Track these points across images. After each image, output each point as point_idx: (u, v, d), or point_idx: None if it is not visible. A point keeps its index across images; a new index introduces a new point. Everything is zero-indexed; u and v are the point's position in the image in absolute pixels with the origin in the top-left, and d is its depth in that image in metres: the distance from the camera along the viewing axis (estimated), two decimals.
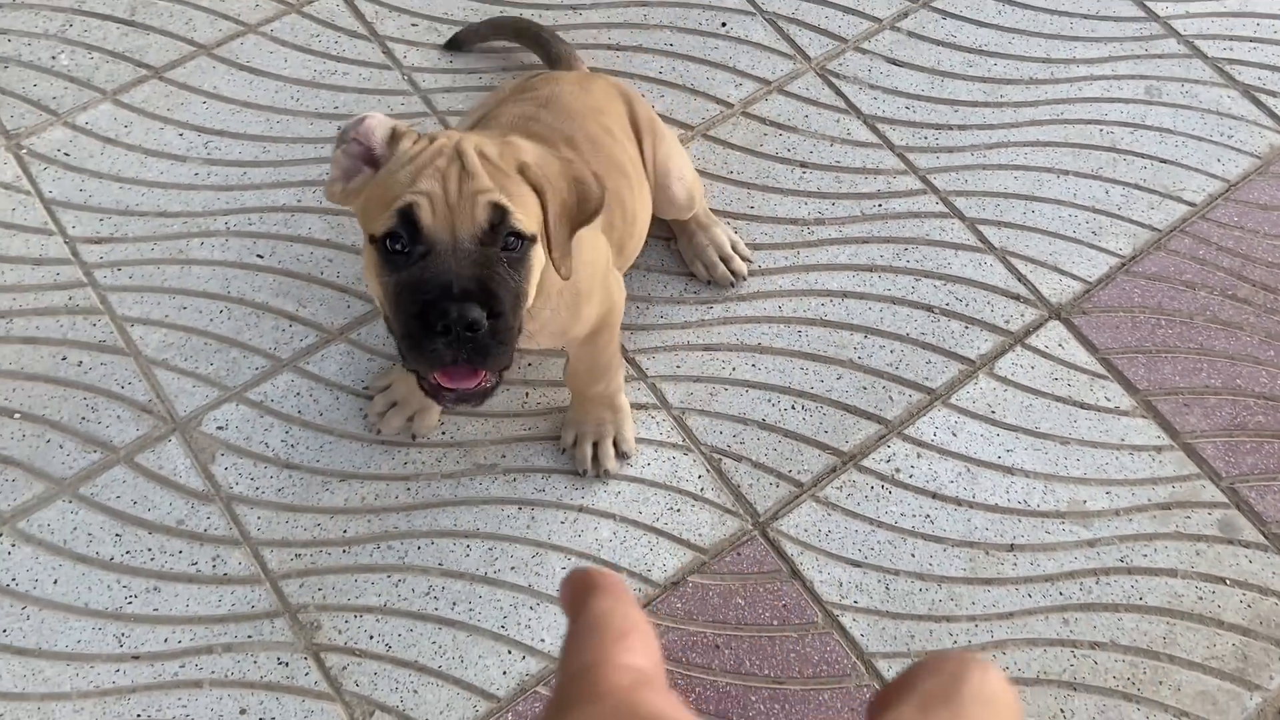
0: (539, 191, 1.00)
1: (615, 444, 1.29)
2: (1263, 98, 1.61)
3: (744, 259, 1.42)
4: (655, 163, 1.31)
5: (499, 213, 0.96)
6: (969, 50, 1.64)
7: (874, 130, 1.55)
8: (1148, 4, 1.69)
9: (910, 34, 1.65)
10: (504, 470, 1.29)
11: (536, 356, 1.36)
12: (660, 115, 1.54)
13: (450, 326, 0.94)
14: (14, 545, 1.22)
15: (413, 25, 1.60)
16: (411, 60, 1.56)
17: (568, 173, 1.03)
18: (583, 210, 1.03)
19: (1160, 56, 1.65)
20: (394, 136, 1.01)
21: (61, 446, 1.27)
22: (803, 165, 1.52)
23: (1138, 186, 1.53)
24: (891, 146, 1.54)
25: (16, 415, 1.29)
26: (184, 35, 1.56)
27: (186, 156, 1.46)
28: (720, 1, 1.65)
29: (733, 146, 1.52)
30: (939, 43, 1.64)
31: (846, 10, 1.66)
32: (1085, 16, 1.68)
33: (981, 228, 1.49)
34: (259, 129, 1.49)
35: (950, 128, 1.56)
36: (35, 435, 1.28)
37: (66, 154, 1.45)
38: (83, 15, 1.57)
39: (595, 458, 1.28)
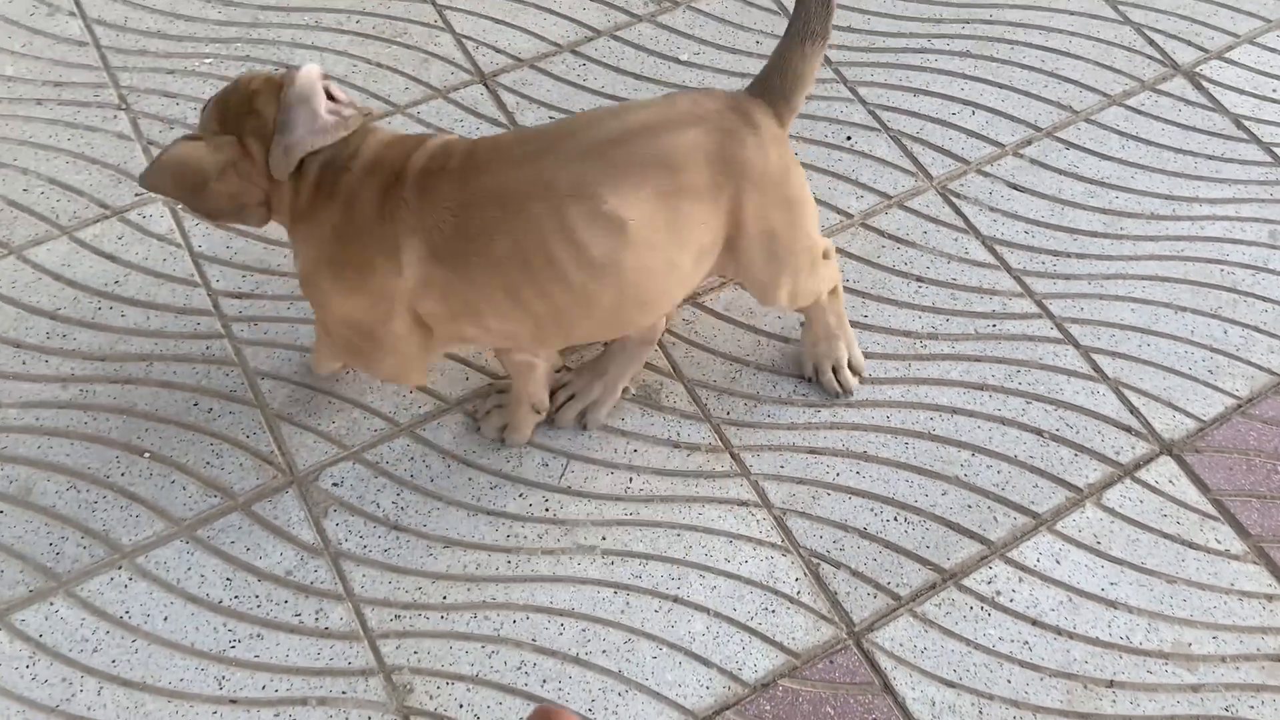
0: None
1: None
2: None
3: (858, 375, 1.43)
4: (747, 226, 1.19)
5: None
6: (1090, 181, 1.66)
7: (992, 251, 1.57)
8: (1275, 150, 1.70)
9: (1032, 161, 1.67)
10: (603, 553, 1.31)
11: (641, 443, 1.38)
12: None
13: None
14: (131, 579, 1.26)
15: (549, 117, 1.67)
16: None
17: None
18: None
19: None
20: None
21: (185, 489, 1.33)
22: (919, 280, 1.54)
23: (1258, 329, 1.52)
24: (1009, 269, 1.56)
25: (146, 454, 1.35)
26: None
27: None
28: (847, 116, 1.70)
29: (851, 256, 1.55)
30: (1061, 172, 1.66)
31: (970, 133, 1.69)
32: (1210, 157, 1.69)
33: (1095, 356, 1.49)
34: None
35: (1068, 255, 1.58)
36: (161, 475, 1.33)
37: None
38: None
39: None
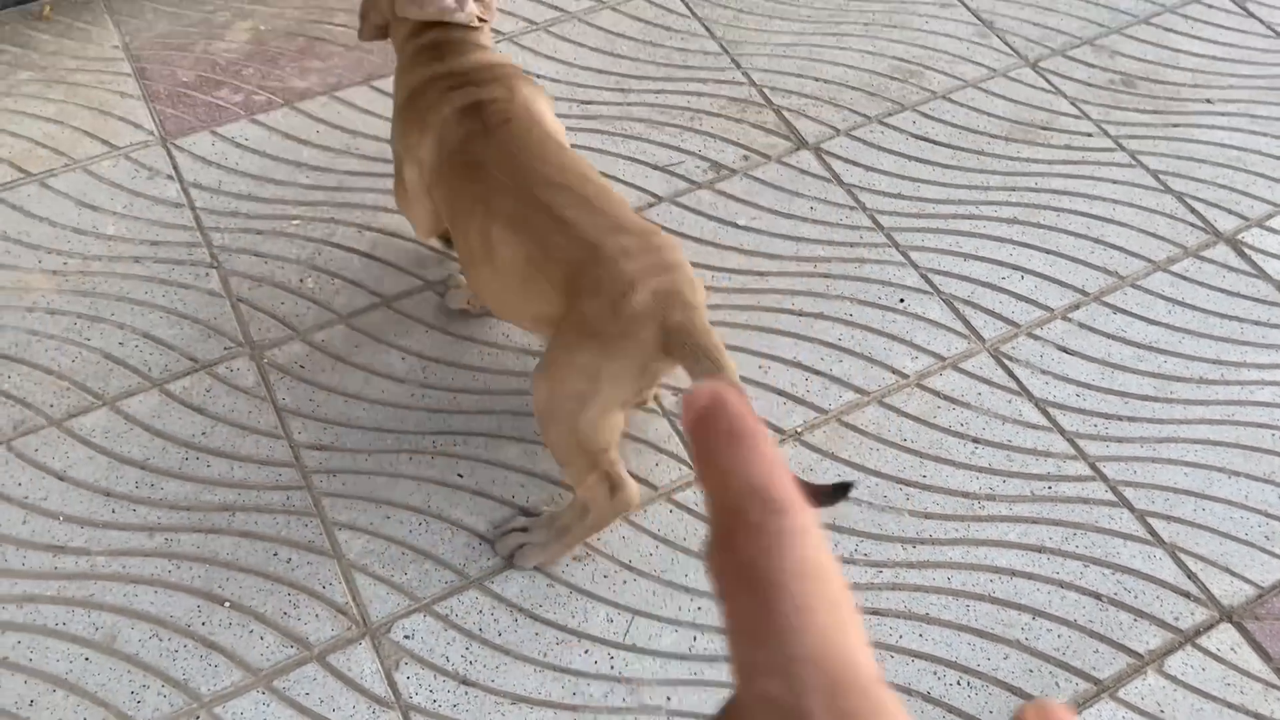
0: None
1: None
2: None
3: (512, 564, 1.44)
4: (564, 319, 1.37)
5: None
6: (1139, 345, 1.70)
7: (1045, 414, 1.62)
8: None
9: (1081, 325, 1.73)
10: (668, 714, 1.33)
11: (704, 600, 1.41)
12: (837, 380, 1.64)
13: None
14: None
15: None
16: None
17: None
18: None
19: None
20: None
21: (262, 638, 1.37)
22: (975, 440, 1.58)
23: None
24: (1062, 431, 1.60)
25: (226, 604, 1.39)
26: (413, 270, 1.75)
27: (405, 379, 1.61)
28: (899, 279, 1.77)
29: (907, 415, 1.60)
30: (1109, 336, 1.71)
31: (1019, 298, 1.76)
32: (1256, 323, 1.74)
33: (1151, 520, 1.51)
34: (472, 359, 1.64)
35: (1120, 418, 1.61)
36: (240, 625, 1.38)
37: (302, 366, 1.62)
38: (330, 246, 1.77)
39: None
